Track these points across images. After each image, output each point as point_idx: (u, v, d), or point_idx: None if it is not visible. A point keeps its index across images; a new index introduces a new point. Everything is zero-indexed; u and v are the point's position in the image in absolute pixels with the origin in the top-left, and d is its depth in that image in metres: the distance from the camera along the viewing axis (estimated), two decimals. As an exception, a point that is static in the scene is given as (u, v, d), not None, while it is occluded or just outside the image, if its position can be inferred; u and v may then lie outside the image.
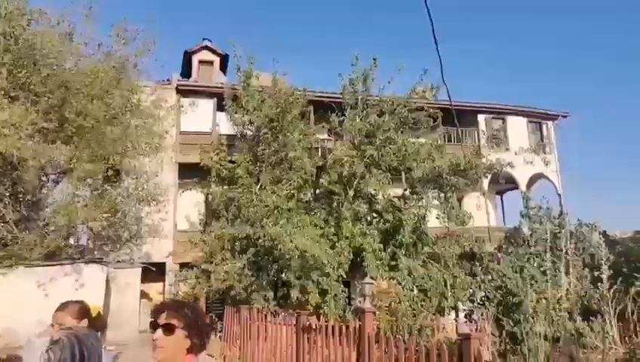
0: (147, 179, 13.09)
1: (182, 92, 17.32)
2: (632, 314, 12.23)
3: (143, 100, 13.01)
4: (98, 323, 2.81)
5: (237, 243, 13.41)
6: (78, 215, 10.65)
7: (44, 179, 11.40)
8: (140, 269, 13.15)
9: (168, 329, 1.79)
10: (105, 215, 11.76)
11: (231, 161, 14.74)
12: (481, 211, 17.94)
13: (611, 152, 57.88)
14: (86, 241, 13.53)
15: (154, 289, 15.41)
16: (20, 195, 10.52)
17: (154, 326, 1.79)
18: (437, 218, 14.88)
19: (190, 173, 16.23)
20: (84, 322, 2.67)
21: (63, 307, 2.71)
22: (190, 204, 16.66)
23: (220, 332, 12.80)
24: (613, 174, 55.39)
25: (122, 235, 13.14)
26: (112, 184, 12.66)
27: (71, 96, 10.54)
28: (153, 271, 13.60)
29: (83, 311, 2.73)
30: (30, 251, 10.09)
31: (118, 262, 12.91)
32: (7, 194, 10.06)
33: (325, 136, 17.16)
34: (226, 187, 14.76)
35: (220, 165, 14.76)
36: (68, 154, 10.09)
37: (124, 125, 11.71)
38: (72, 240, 12.77)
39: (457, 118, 19.23)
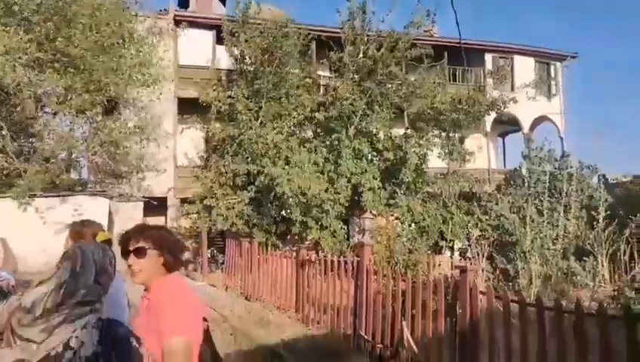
0: (146, 113, 12.92)
1: (179, 23, 16.69)
2: (624, 254, 12.53)
3: (139, 30, 12.57)
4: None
5: (237, 180, 13.47)
6: (77, 147, 10.60)
7: (40, 110, 11.24)
8: (142, 203, 13.27)
9: (140, 252, 1.82)
10: (104, 148, 11.74)
11: (230, 97, 14.48)
12: (482, 153, 17.87)
13: (619, 96, 56.92)
14: (87, 175, 13.60)
15: (156, 222, 15.64)
16: (18, 126, 10.42)
17: (125, 253, 1.82)
18: (438, 157, 14.85)
19: (190, 108, 16.00)
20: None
21: (75, 225, 2.77)
22: (190, 140, 16.57)
23: (221, 264, 13.17)
24: (620, 119, 54.76)
25: (123, 169, 13.16)
26: (111, 117, 12.50)
27: (66, 26, 10.18)
28: (155, 206, 13.73)
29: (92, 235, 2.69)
30: (31, 183, 10.14)
31: (120, 195, 13.01)
32: (5, 124, 9.96)
33: (326, 73, 16.78)
34: (227, 123, 14.60)
35: (219, 101, 14.51)
36: (63, 84, 9.87)
37: (119, 55, 11.38)
38: (73, 174, 12.83)
39: (463, 56, 18.74)
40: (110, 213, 11.82)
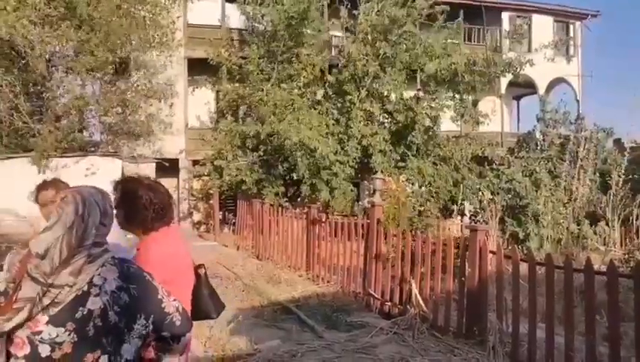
0: (153, 73, 12.86)
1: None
2: (637, 219, 12.43)
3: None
4: None
5: (248, 141, 13.47)
6: (89, 107, 10.62)
7: (53, 69, 11.23)
8: (154, 164, 13.37)
9: (115, 205, 1.94)
10: (116, 109, 11.77)
11: (243, 57, 14.28)
12: (495, 116, 17.58)
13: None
14: (99, 136, 13.70)
15: (168, 184, 15.57)
16: (31, 85, 10.44)
17: None
18: (451, 120, 14.65)
19: (200, 69, 15.84)
20: None
21: (46, 185, 2.66)
22: (201, 102, 16.49)
23: (233, 225, 13.37)
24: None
25: (134, 130, 13.24)
26: (122, 78, 12.48)
27: None
28: (167, 167, 13.84)
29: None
30: (45, 142, 10.24)
31: (132, 156, 13.13)
32: (18, 83, 9.97)
33: (338, 32, 16.42)
34: (236, 84, 14.47)
35: (230, 61, 14.34)
36: (74, 42, 9.81)
37: (131, 15, 11.25)
38: (85, 134, 12.94)
39: (479, 15, 18.19)
40: (123, 174, 11.96)
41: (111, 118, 12.36)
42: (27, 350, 1.42)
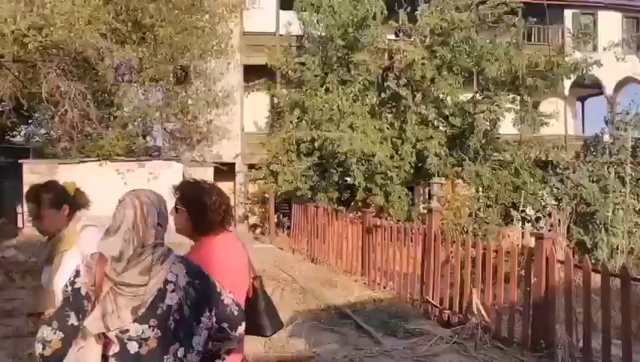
0: (214, 81, 13.32)
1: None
2: None
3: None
4: (82, 200, 2.51)
5: (302, 146, 13.60)
6: (152, 114, 11.13)
7: (119, 78, 11.89)
8: (212, 168, 13.80)
9: (175, 209, 2.08)
10: (176, 115, 12.28)
11: (301, 63, 14.46)
12: (559, 118, 16.75)
13: None
14: (161, 142, 14.34)
15: (225, 187, 16.20)
16: (99, 94, 11.10)
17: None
18: (514, 125, 14.09)
19: (255, 75, 16.22)
20: (65, 209, 2.36)
21: (31, 195, 2.36)
22: (256, 107, 16.86)
23: (287, 228, 13.53)
24: None
25: (194, 136, 13.76)
26: (182, 86, 13.02)
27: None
28: (224, 171, 14.24)
29: (60, 198, 2.36)
30: (112, 147, 10.85)
31: (192, 161, 13.63)
32: (88, 92, 10.64)
33: (392, 36, 16.24)
34: (292, 90, 14.68)
35: (287, 67, 14.58)
36: (140, 54, 10.36)
37: (192, 26, 11.73)
38: (149, 140, 13.60)
39: (540, 13, 17.45)
40: (184, 178, 12.43)
41: (172, 125, 12.91)
42: (116, 348, 1.50)
